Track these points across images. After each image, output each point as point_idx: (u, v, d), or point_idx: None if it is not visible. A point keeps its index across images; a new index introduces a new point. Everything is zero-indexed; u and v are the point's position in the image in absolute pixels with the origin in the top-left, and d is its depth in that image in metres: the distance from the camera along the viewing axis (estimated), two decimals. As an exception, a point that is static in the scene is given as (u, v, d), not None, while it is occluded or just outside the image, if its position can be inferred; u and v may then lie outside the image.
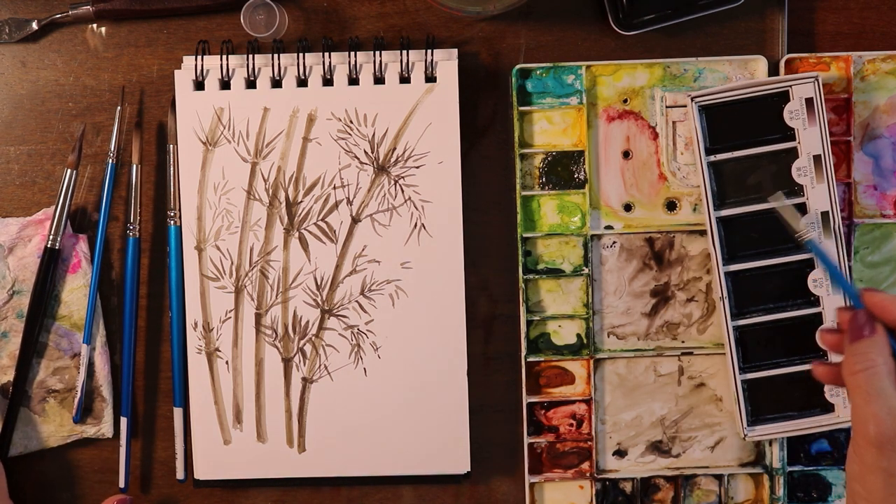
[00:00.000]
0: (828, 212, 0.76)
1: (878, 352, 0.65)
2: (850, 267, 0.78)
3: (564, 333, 0.80)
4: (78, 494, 0.81)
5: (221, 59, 0.78)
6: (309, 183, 0.78)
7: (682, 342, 0.80)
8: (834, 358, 0.76)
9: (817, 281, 0.77)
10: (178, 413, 0.80)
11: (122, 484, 0.80)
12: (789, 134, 0.77)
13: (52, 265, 0.79)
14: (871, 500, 0.64)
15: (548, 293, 0.80)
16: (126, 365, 0.80)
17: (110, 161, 0.79)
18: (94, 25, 0.80)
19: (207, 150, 0.78)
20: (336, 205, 0.79)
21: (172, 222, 0.79)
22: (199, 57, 0.78)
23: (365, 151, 0.78)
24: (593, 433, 0.80)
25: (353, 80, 0.78)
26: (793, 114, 0.76)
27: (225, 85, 0.79)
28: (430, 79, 0.78)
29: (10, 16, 0.80)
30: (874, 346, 0.66)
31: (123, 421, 0.80)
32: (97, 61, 0.80)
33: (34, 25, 0.80)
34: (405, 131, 0.78)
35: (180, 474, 0.81)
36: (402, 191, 0.78)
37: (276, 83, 0.78)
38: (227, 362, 0.79)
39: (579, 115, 0.79)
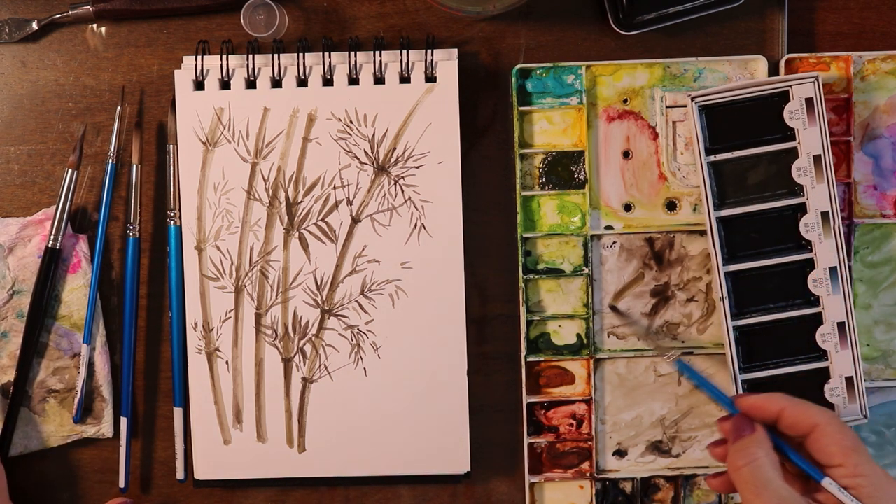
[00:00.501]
0: (828, 212, 0.76)
1: (758, 445, 0.67)
2: (850, 267, 0.78)
3: (564, 333, 0.80)
4: (78, 494, 0.81)
5: (221, 59, 0.78)
6: (309, 183, 0.78)
7: (682, 342, 0.80)
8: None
9: (817, 281, 0.77)
10: (178, 413, 0.80)
11: (122, 484, 0.80)
12: (789, 134, 0.77)
13: (52, 265, 0.79)
14: None
15: (548, 293, 0.80)
16: (126, 365, 0.80)
17: (110, 161, 0.79)
18: (94, 25, 0.80)
19: (207, 150, 0.78)
20: (336, 205, 0.79)
21: (172, 222, 0.79)
22: (199, 57, 0.78)
23: (365, 151, 0.78)
24: (593, 433, 0.80)
25: (353, 80, 0.78)
26: (793, 114, 0.76)
27: (225, 85, 0.79)
28: (430, 79, 0.78)
29: (10, 16, 0.80)
30: (754, 442, 0.68)
31: (123, 421, 0.80)
32: (97, 61, 0.80)
33: (34, 25, 0.80)
34: (405, 131, 0.78)
35: (180, 474, 0.81)
36: (402, 191, 0.78)
37: (276, 83, 0.78)
38: (227, 362, 0.79)
39: (579, 115, 0.79)
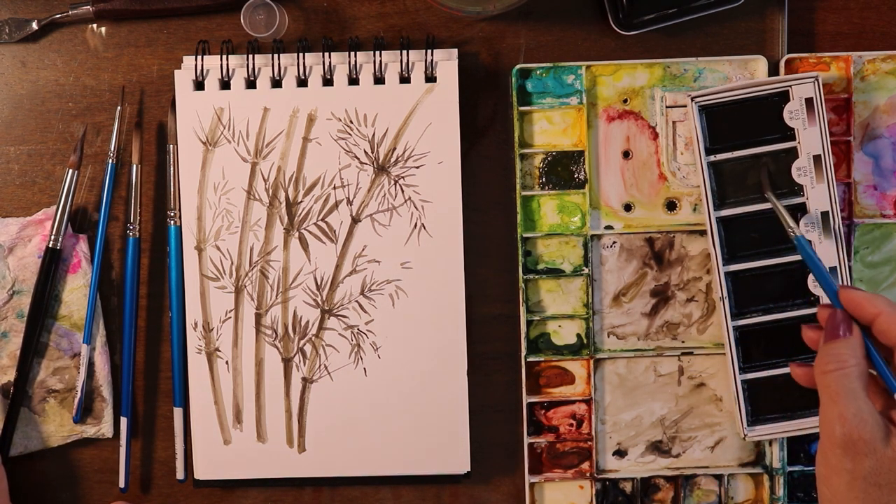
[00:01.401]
0: (828, 212, 0.76)
1: (851, 353, 0.65)
2: (850, 267, 0.78)
3: (564, 333, 0.80)
4: (78, 494, 0.81)
5: (221, 59, 0.78)
6: (309, 183, 0.78)
7: (682, 342, 0.80)
8: None
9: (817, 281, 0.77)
10: (178, 413, 0.80)
11: (122, 484, 0.80)
12: (789, 134, 0.77)
13: (52, 265, 0.79)
14: (835, 503, 0.63)
15: (548, 293, 0.80)
16: (126, 365, 0.80)
17: (110, 161, 0.79)
18: (94, 25, 0.80)
19: (207, 150, 0.78)
20: (336, 205, 0.79)
21: (172, 222, 0.79)
22: (199, 57, 0.78)
23: (365, 151, 0.78)
24: (593, 433, 0.80)
25: (353, 80, 0.78)
26: (793, 114, 0.76)
27: (225, 85, 0.79)
28: (430, 79, 0.78)
29: (10, 16, 0.80)
30: (847, 347, 0.66)
31: (123, 421, 0.80)
32: (97, 61, 0.80)
33: (34, 25, 0.80)
34: (405, 131, 0.78)
35: (180, 474, 0.81)
36: (402, 191, 0.78)
37: (276, 83, 0.78)
38: (227, 362, 0.79)
39: (579, 115, 0.79)
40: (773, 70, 0.79)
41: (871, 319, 0.66)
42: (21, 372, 0.79)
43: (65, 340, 0.80)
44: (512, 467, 0.81)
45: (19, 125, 0.81)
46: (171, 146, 0.79)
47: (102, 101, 0.80)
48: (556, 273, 0.80)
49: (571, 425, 0.80)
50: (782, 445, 0.79)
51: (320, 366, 0.79)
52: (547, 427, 0.80)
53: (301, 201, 0.79)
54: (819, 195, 0.76)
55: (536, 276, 0.80)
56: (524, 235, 0.79)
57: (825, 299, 0.76)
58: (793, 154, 0.77)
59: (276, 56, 0.78)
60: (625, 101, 0.79)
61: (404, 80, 0.78)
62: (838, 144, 0.79)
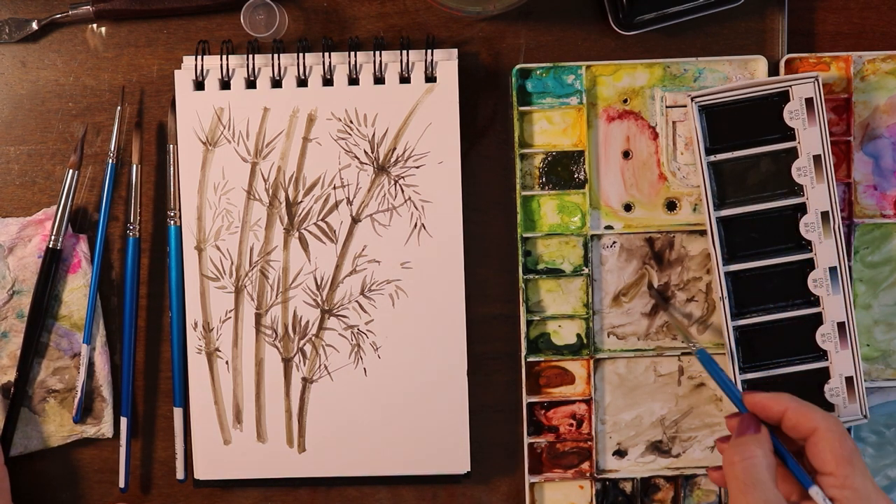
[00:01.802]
0: (828, 212, 0.76)
1: (758, 445, 0.67)
2: (850, 267, 0.78)
3: (564, 333, 0.80)
4: (78, 494, 0.81)
5: (221, 59, 0.78)
6: (309, 183, 0.78)
7: (683, 342, 0.80)
8: None
9: (817, 281, 0.77)
10: (178, 413, 0.80)
11: (122, 484, 0.80)
12: (789, 134, 0.77)
13: (53, 266, 0.79)
14: None
15: (548, 293, 0.80)
16: (126, 365, 0.80)
17: (110, 161, 0.79)
18: (94, 25, 0.80)
19: (207, 150, 0.78)
20: (336, 205, 0.79)
21: (172, 222, 0.79)
22: (199, 57, 0.78)
23: (365, 151, 0.78)
24: (593, 433, 0.80)
25: (353, 80, 0.78)
26: (793, 114, 0.76)
27: (225, 85, 0.79)
28: (430, 79, 0.78)
29: (10, 16, 0.80)
30: (754, 441, 0.67)
31: (123, 421, 0.80)
32: (97, 61, 0.80)
33: (34, 25, 0.80)
34: (405, 131, 0.78)
35: (180, 474, 0.81)
36: (402, 191, 0.78)
37: (276, 83, 0.78)
38: (227, 362, 0.79)
39: (579, 115, 0.79)
40: (773, 70, 0.79)
41: (779, 417, 0.68)
42: (21, 372, 0.79)
43: (65, 340, 0.80)
44: (512, 467, 0.81)
45: (19, 125, 0.81)
46: (171, 146, 0.79)
47: (102, 101, 0.80)
48: (556, 273, 0.80)
49: (571, 425, 0.80)
50: (782, 445, 0.79)
51: (320, 366, 0.79)
52: (547, 427, 0.80)
53: (301, 201, 0.79)
54: (819, 195, 0.76)
55: (536, 276, 0.80)
56: (524, 235, 0.79)
57: (825, 299, 0.76)
58: (793, 154, 0.77)
59: (276, 56, 0.78)
60: (625, 101, 0.79)
61: (404, 80, 0.78)
62: (838, 144, 0.79)
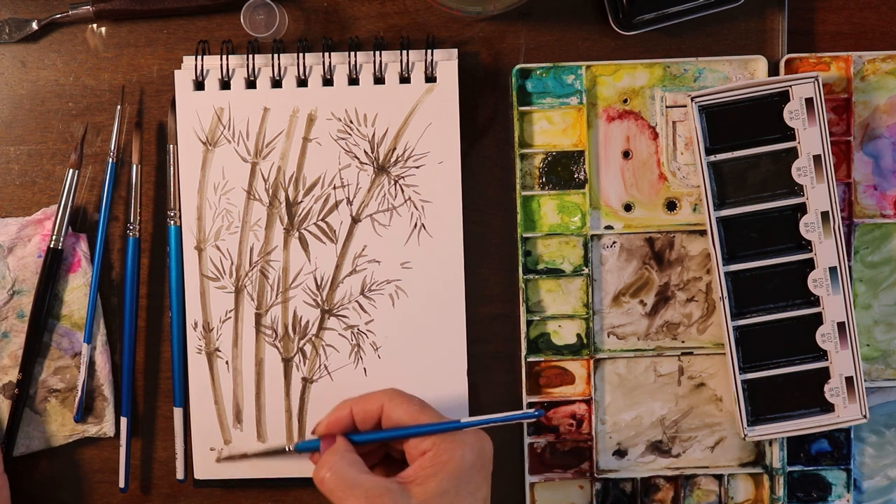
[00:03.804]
0: (828, 212, 0.76)
1: (333, 453, 0.71)
2: (850, 267, 0.78)
3: (564, 333, 0.80)
4: (78, 494, 0.81)
5: (221, 59, 0.78)
6: (309, 183, 0.78)
7: (682, 342, 0.80)
8: None
9: (817, 281, 0.77)
10: (178, 413, 0.80)
11: (122, 484, 0.80)
12: (789, 134, 0.77)
13: (54, 266, 0.79)
14: None
15: (548, 293, 0.80)
16: (126, 365, 0.80)
17: (110, 161, 0.79)
18: (94, 25, 0.80)
19: (207, 150, 0.78)
20: (336, 205, 0.79)
21: (172, 222, 0.79)
22: (199, 57, 0.78)
23: (365, 151, 0.78)
24: (593, 433, 0.80)
25: (353, 80, 0.78)
26: (793, 114, 0.76)
27: (225, 85, 0.79)
28: (430, 79, 0.78)
29: (10, 16, 0.80)
30: (330, 452, 0.71)
31: (123, 421, 0.80)
32: (97, 61, 0.80)
33: (34, 25, 0.80)
34: (405, 131, 0.78)
35: (180, 474, 0.81)
36: (402, 191, 0.78)
37: (276, 83, 0.78)
38: (227, 362, 0.79)
39: (579, 115, 0.79)
40: (773, 70, 0.79)
41: (350, 420, 0.72)
42: (25, 373, 0.79)
43: (65, 340, 0.80)
44: (512, 467, 0.81)
45: (19, 125, 0.81)
46: (171, 146, 0.79)
47: (102, 101, 0.80)
48: (556, 273, 0.80)
49: (571, 425, 0.80)
50: (782, 445, 0.79)
51: (320, 366, 0.79)
52: (547, 427, 0.80)
53: (301, 201, 0.79)
54: (819, 195, 0.76)
55: (536, 276, 0.80)
56: (524, 235, 0.79)
57: (825, 299, 0.77)
58: (793, 154, 0.77)
59: (276, 56, 0.78)
60: (625, 101, 0.79)
61: (404, 80, 0.78)
62: (838, 144, 0.79)
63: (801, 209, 0.77)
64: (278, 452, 0.78)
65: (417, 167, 0.78)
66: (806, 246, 0.77)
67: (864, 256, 0.80)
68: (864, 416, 0.77)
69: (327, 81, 0.78)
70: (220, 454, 0.79)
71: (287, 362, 0.79)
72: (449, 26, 0.80)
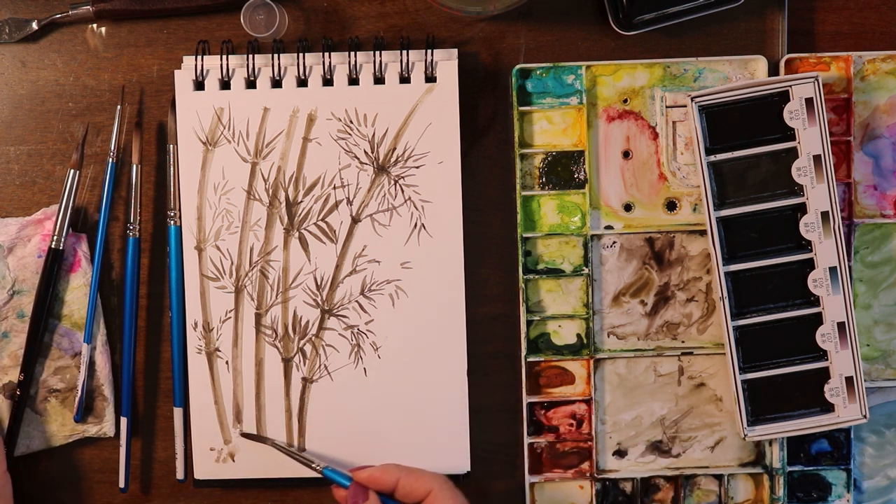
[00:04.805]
0: (828, 212, 0.76)
1: None
2: (850, 267, 0.78)
3: (564, 333, 0.80)
4: (78, 494, 0.81)
5: (221, 59, 0.78)
6: (309, 183, 0.78)
7: (682, 342, 0.80)
8: None
9: (817, 281, 0.77)
10: (178, 413, 0.80)
11: (122, 484, 0.80)
12: (789, 134, 0.77)
13: (55, 266, 0.79)
14: None
15: (548, 293, 0.80)
16: (126, 365, 0.80)
17: (110, 161, 0.79)
18: (94, 25, 0.80)
19: (207, 150, 0.79)
20: (336, 205, 0.79)
21: (172, 222, 0.79)
22: (199, 57, 0.78)
23: (365, 151, 0.78)
24: (593, 433, 0.80)
25: (353, 80, 0.78)
26: (793, 114, 0.76)
27: (225, 85, 0.79)
28: (430, 79, 0.78)
29: (10, 16, 0.80)
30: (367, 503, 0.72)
31: (123, 421, 0.80)
32: (97, 61, 0.80)
33: (34, 25, 0.80)
34: (405, 131, 0.78)
35: (180, 474, 0.81)
36: (402, 191, 0.78)
37: (276, 83, 0.78)
38: (227, 362, 0.79)
39: (579, 115, 0.79)
40: (773, 70, 0.79)
41: (392, 487, 0.73)
42: (26, 373, 0.79)
43: (66, 340, 0.80)
44: (512, 467, 0.81)
45: (19, 125, 0.81)
46: (171, 146, 0.79)
47: (102, 101, 0.80)
48: (556, 273, 0.80)
49: (571, 425, 0.80)
50: (782, 445, 0.79)
51: (320, 366, 0.79)
52: (547, 427, 0.80)
53: (301, 201, 0.79)
54: (819, 195, 0.76)
55: (536, 276, 0.80)
56: (524, 235, 0.79)
57: (825, 299, 0.77)
58: (793, 154, 0.77)
59: (276, 56, 0.78)
60: (625, 101, 0.79)
61: (404, 80, 0.78)
62: (838, 144, 0.79)
63: (801, 209, 0.77)
64: (294, 454, 0.77)
65: (417, 167, 0.78)
66: (806, 246, 0.77)
67: (864, 256, 0.80)
68: (864, 416, 0.77)
69: (327, 81, 0.78)
70: (241, 429, 0.79)
71: (287, 362, 0.79)
72: (449, 26, 0.80)
